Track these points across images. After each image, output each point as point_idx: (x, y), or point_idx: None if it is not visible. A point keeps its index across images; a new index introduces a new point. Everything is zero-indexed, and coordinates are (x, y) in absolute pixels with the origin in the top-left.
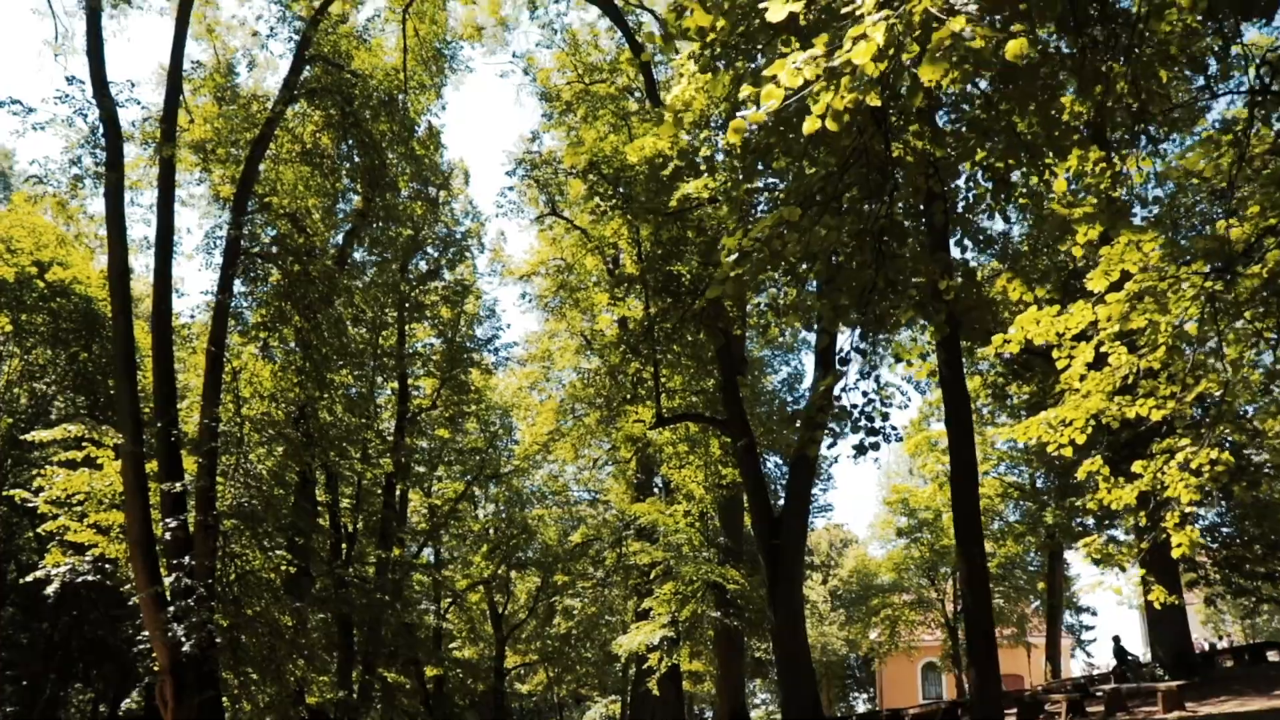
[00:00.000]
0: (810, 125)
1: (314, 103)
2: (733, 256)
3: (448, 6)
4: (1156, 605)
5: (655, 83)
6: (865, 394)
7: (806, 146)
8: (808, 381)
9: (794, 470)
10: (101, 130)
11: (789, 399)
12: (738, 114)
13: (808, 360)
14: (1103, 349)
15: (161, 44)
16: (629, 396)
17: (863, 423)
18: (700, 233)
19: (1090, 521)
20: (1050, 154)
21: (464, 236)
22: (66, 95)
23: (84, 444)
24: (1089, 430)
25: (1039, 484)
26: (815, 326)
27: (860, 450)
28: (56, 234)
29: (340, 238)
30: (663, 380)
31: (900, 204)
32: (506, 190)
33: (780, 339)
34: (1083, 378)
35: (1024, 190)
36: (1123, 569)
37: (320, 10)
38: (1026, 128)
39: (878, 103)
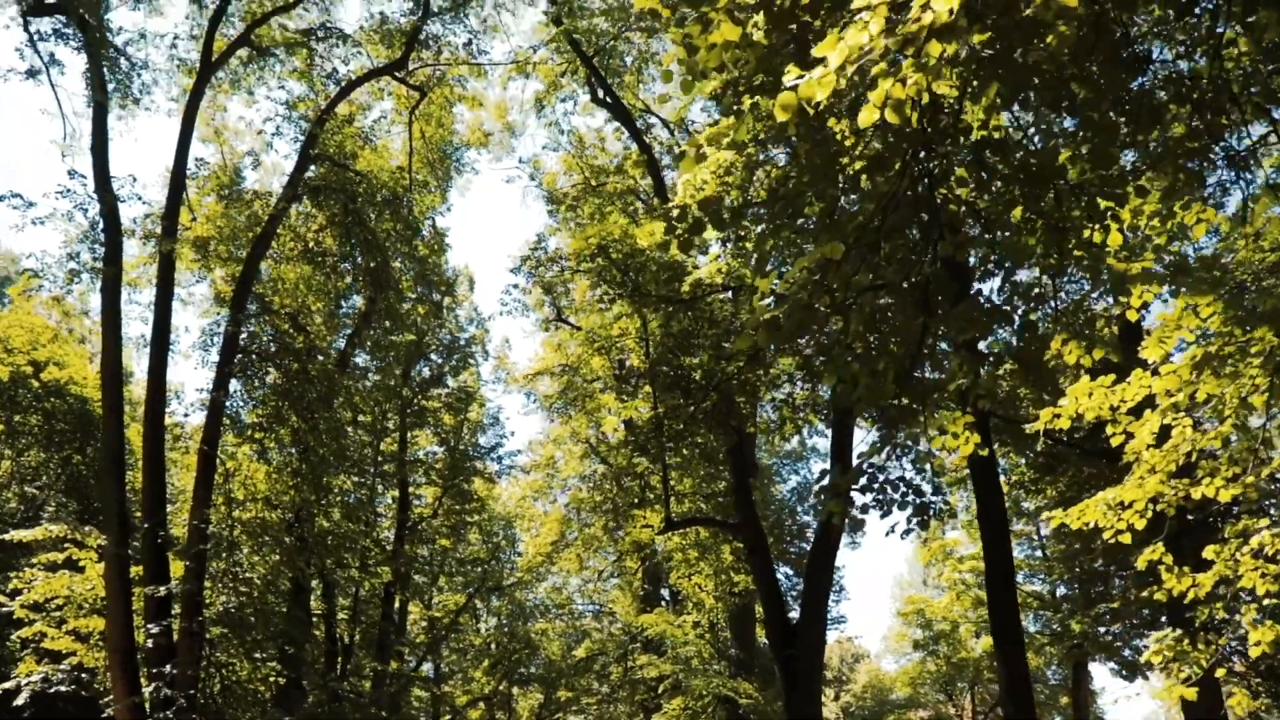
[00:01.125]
0: (867, 116)
1: (317, 201)
2: (767, 300)
3: (454, 110)
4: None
5: (664, 184)
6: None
7: (840, 187)
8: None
9: (809, 575)
10: (102, 225)
11: (799, 508)
12: (786, 86)
13: (817, 467)
14: (1165, 421)
15: (167, 141)
16: (636, 500)
17: (910, 497)
18: (712, 324)
19: (1118, 628)
20: (1108, 201)
21: (468, 343)
22: (68, 190)
23: (66, 545)
24: (1149, 514)
25: (1059, 593)
26: (831, 421)
27: (920, 523)
28: (52, 331)
29: (342, 341)
30: (671, 483)
31: (944, 254)
32: (511, 288)
33: (790, 441)
34: (1136, 456)
35: (1077, 243)
36: (1144, 677)
37: (326, 110)
38: (1078, 174)
39: (949, 92)
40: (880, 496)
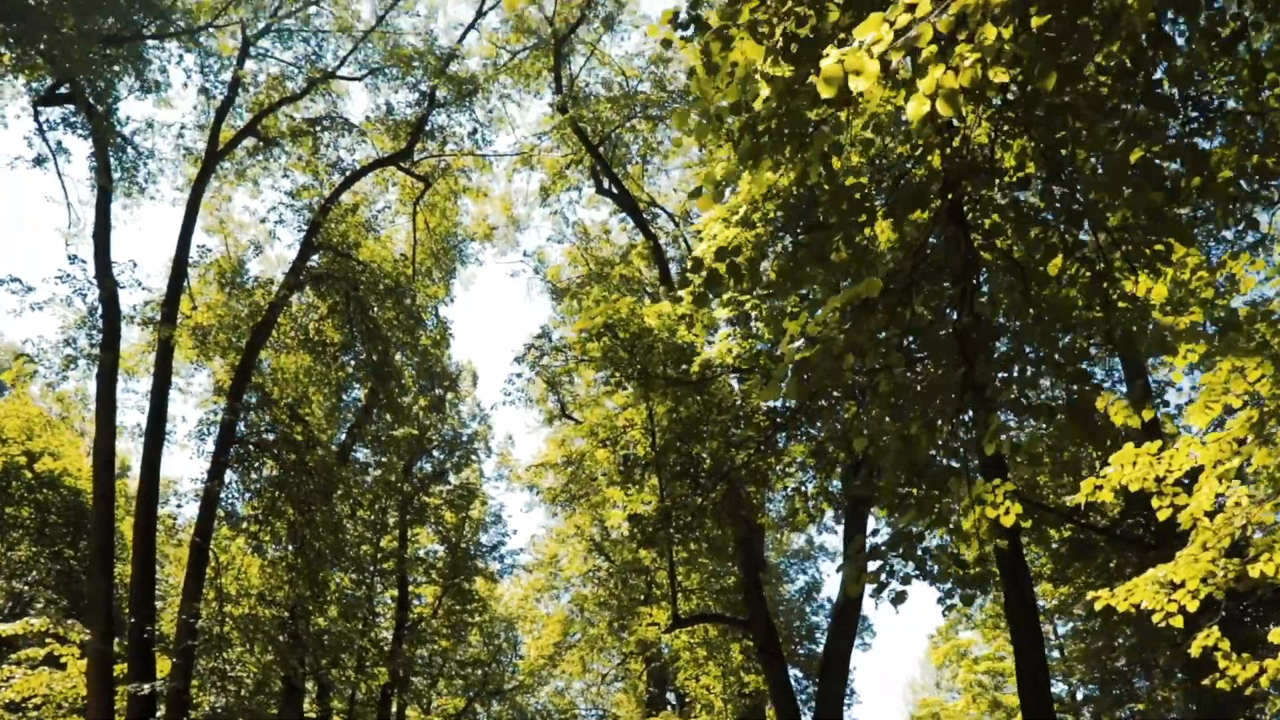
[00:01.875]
0: (917, 109)
1: (319, 290)
2: (797, 344)
3: (459, 201)
4: None
5: (670, 274)
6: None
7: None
8: (827, 590)
9: (824, 676)
10: (100, 311)
11: (808, 608)
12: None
13: (825, 567)
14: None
15: (171, 228)
16: (642, 597)
17: (952, 568)
18: (722, 410)
19: None
20: (1157, 243)
21: (471, 439)
22: (67, 275)
23: (48, 640)
24: (1201, 594)
25: (1079, 695)
26: (844, 511)
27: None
28: (46, 419)
29: (343, 434)
30: (679, 579)
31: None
32: (514, 377)
33: (799, 540)
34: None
35: (1120, 295)
36: None
37: (330, 200)
38: (1120, 220)
39: (1005, 77)
40: (917, 569)
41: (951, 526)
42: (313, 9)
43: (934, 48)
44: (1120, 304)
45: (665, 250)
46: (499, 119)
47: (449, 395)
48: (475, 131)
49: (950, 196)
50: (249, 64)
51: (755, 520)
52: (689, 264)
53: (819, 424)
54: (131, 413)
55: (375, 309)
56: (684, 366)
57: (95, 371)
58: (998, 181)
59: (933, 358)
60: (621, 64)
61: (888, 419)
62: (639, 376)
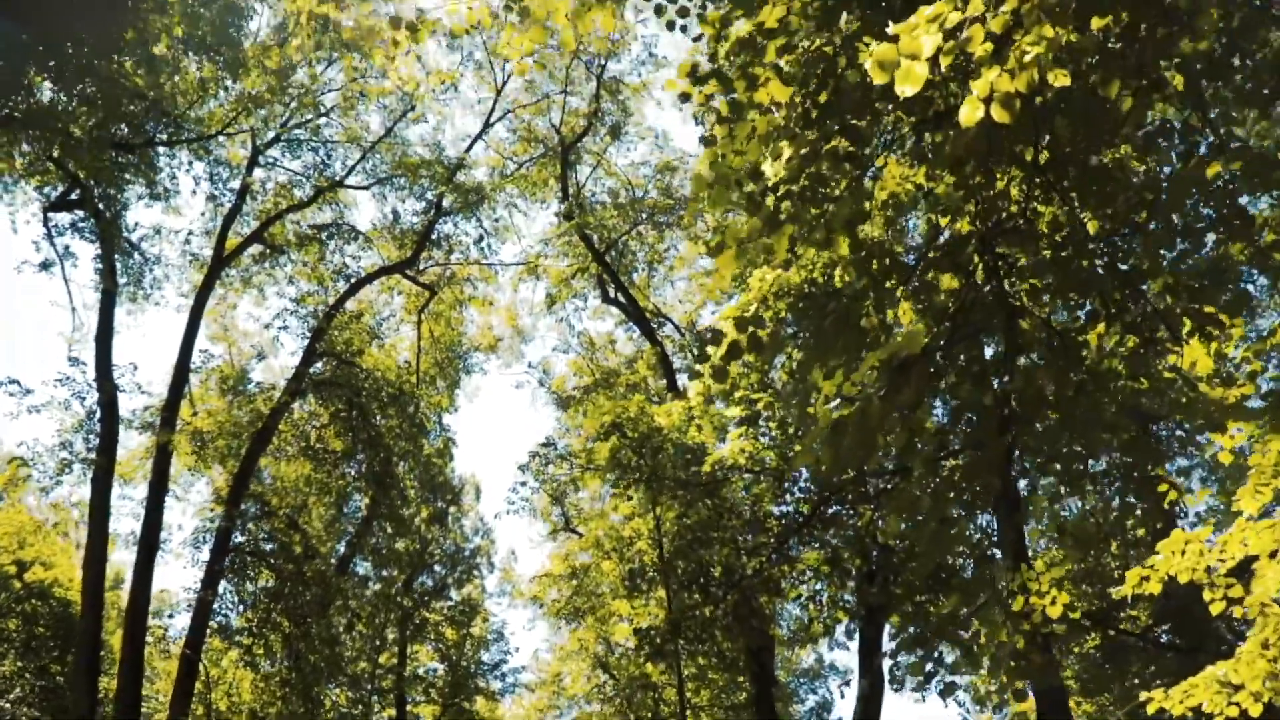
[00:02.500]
0: (970, 113)
1: (321, 396)
2: (833, 403)
3: (465, 310)
4: None
5: (676, 383)
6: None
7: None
8: (839, 710)
9: None
10: (99, 415)
11: None
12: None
13: (836, 687)
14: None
15: (174, 332)
16: (650, 715)
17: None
18: (735, 515)
19: None
20: (1208, 304)
21: (473, 554)
22: (67, 378)
23: None
24: (1265, 697)
25: None
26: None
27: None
28: (36, 524)
29: (343, 545)
30: (688, 695)
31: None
32: (518, 485)
33: (808, 658)
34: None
35: (1161, 362)
36: None
37: (335, 307)
38: (1161, 287)
39: (1065, 80)
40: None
41: (999, 618)
42: (322, 120)
43: (988, 46)
44: (1167, 375)
45: (672, 360)
46: (505, 228)
47: (451, 509)
48: (481, 239)
49: (987, 257)
50: (257, 172)
51: (767, 631)
52: (707, 336)
53: (832, 530)
54: (126, 520)
55: (378, 417)
56: (694, 469)
57: (90, 476)
58: (1034, 245)
59: (972, 429)
60: (627, 172)
61: (922, 496)
62: (648, 480)
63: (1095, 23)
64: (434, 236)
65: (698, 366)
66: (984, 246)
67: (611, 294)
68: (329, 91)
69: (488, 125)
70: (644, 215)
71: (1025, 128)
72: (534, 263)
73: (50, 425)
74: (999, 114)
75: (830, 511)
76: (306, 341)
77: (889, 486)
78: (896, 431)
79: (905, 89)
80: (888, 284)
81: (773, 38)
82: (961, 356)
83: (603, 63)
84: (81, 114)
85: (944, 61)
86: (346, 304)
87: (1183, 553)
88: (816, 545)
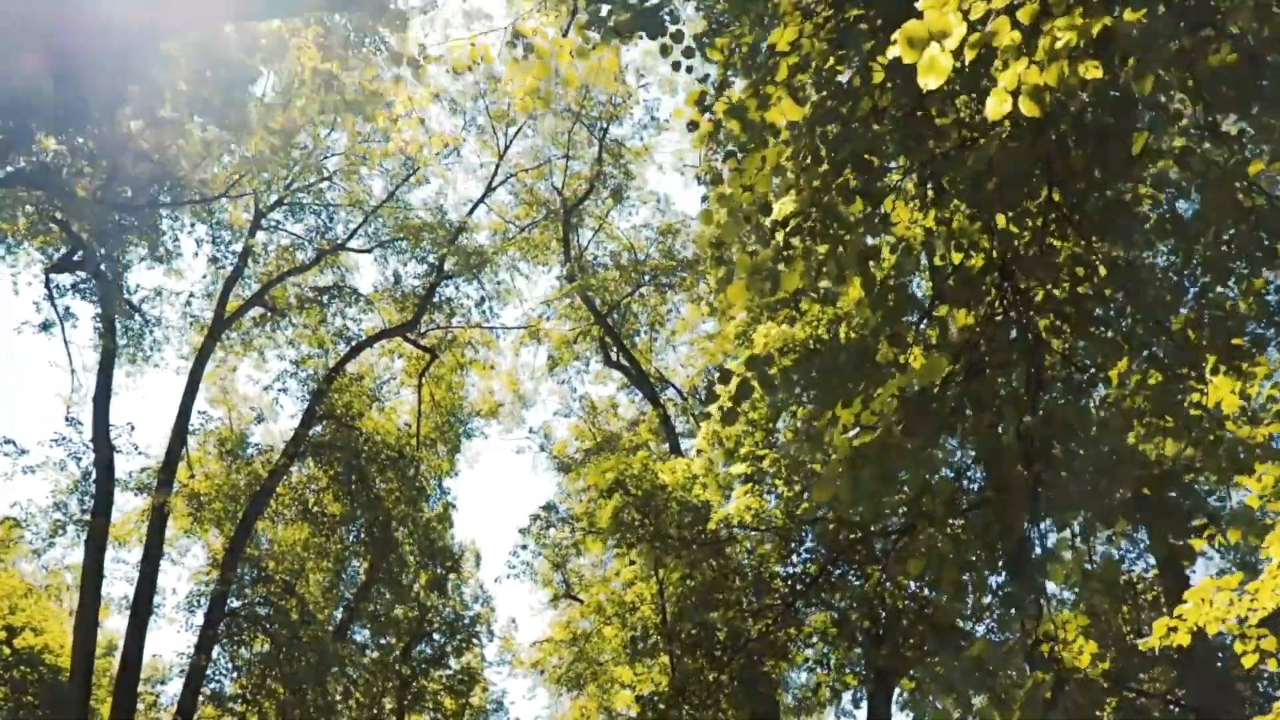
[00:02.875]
0: (997, 105)
1: (320, 459)
2: (852, 433)
3: (465, 374)
4: None
5: (680, 449)
6: None
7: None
8: None
9: None
10: (95, 476)
11: None
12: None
13: None
14: None
15: (173, 394)
16: None
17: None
18: (740, 576)
19: None
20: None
21: (473, 622)
22: (63, 438)
23: None
24: None
25: None
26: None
27: None
28: (27, 587)
29: (339, 611)
30: None
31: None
32: (519, 548)
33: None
34: None
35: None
36: None
37: (335, 369)
38: (1184, 322)
39: (1097, 73)
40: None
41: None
42: (325, 184)
43: (1016, 36)
44: (1195, 412)
45: (674, 423)
46: (507, 291)
47: (451, 576)
48: (483, 301)
49: (1005, 289)
50: (259, 235)
51: (774, 697)
52: (715, 376)
53: (839, 594)
54: (120, 584)
55: (377, 481)
56: (699, 529)
57: (84, 538)
58: (1053, 275)
59: (994, 467)
60: (629, 235)
61: (944, 542)
62: (651, 539)
63: (1129, 15)
64: (435, 300)
65: (707, 408)
66: (1002, 278)
67: (614, 357)
68: (332, 156)
69: (490, 189)
70: (646, 277)
71: (1038, 159)
72: (535, 326)
73: (45, 486)
74: (1028, 107)
75: (838, 572)
76: (306, 404)
77: (898, 546)
78: (914, 469)
79: (929, 81)
80: (902, 319)
81: (785, 57)
82: (980, 393)
83: (604, 126)
84: (87, 174)
85: (969, 55)
86: (347, 366)
87: (1211, 602)
88: (824, 607)
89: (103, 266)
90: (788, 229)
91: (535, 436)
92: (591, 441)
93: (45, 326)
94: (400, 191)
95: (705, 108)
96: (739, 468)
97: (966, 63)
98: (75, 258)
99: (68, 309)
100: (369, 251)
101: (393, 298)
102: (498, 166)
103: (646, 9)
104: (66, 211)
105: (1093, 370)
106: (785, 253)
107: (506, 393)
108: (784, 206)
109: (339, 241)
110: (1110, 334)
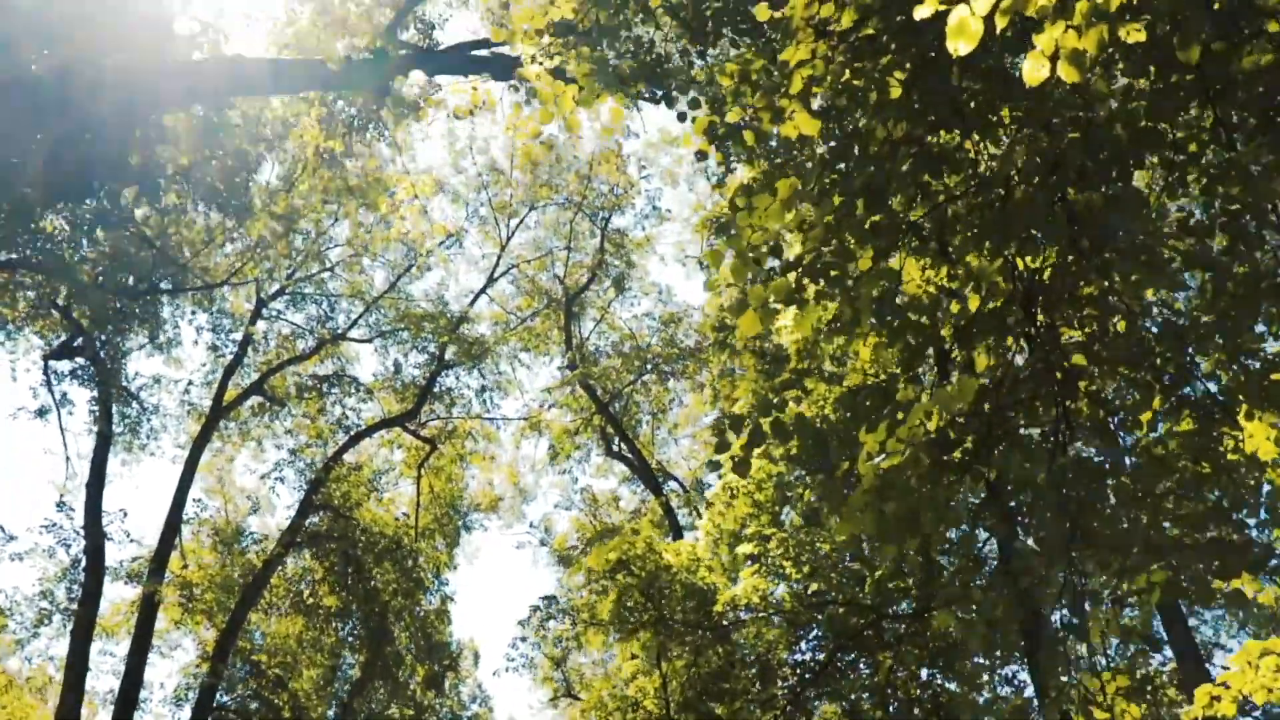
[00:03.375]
0: (1034, 69)
1: (316, 550)
2: (880, 458)
3: (465, 465)
4: None
5: (683, 534)
6: None
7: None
8: None
9: None
10: (84, 564)
11: None
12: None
13: None
14: None
15: (169, 481)
16: None
17: None
18: (745, 665)
19: None
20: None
21: None
22: (53, 524)
23: None
24: None
25: None
26: None
27: None
28: (8, 680)
29: (332, 710)
30: None
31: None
32: (519, 640)
33: None
34: None
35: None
36: None
37: (333, 459)
38: (1215, 364)
39: (1140, 35)
40: None
41: None
42: (326, 273)
43: None
44: (1232, 456)
45: (677, 514)
46: (508, 382)
47: (449, 674)
48: (483, 390)
49: (1029, 328)
50: (260, 323)
51: None
52: (727, 423)
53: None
54: (105, 678)
55: (374, 573)
56: (704, 613)
57: (70, 629)
58: (1078, 313)
59: (1029, 513)
60: (631, 324)
61: (975, 588)
62: (655, 625)
63: None
64: (436, 389)
65: (717, 457)
66: (1026, 317)
67: (616, 447)
68: (334, 247)
69: (491, 279)
70: (648, 366)
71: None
72: (536, 418)
73: (32, 574)
74: (1066, 72)
75: (848, 660)
76: (303, 493)
77: (909, 630)
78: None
79: (959, 45)
80: (922, 358)
81: (799, 69)
82: (1005, 435)
83: (606, 216)
84: (90, 259)
85: (1000, 22)
86: (345, 456)
87: (1258, 667)
88: (834, 697)
89: (102, 353)
90: (800, 270)
91: (535, 531)
92: (593, 533)
93: (41, 413)
94: (402, 282)
95: (716, 137)
96: (745, 548)
97: (998, 30)
98: (75, 344)
99: (65, 394)
100: (369, 341)
101: (393, 387)
102: (499, 257)
103: (650, 61)
104: (68, 296)
105: (1124, 415)
106: (797, 295)
107: (507, 485)
108: (794, 246)
109: (340, 331)
110: (1142, 376)
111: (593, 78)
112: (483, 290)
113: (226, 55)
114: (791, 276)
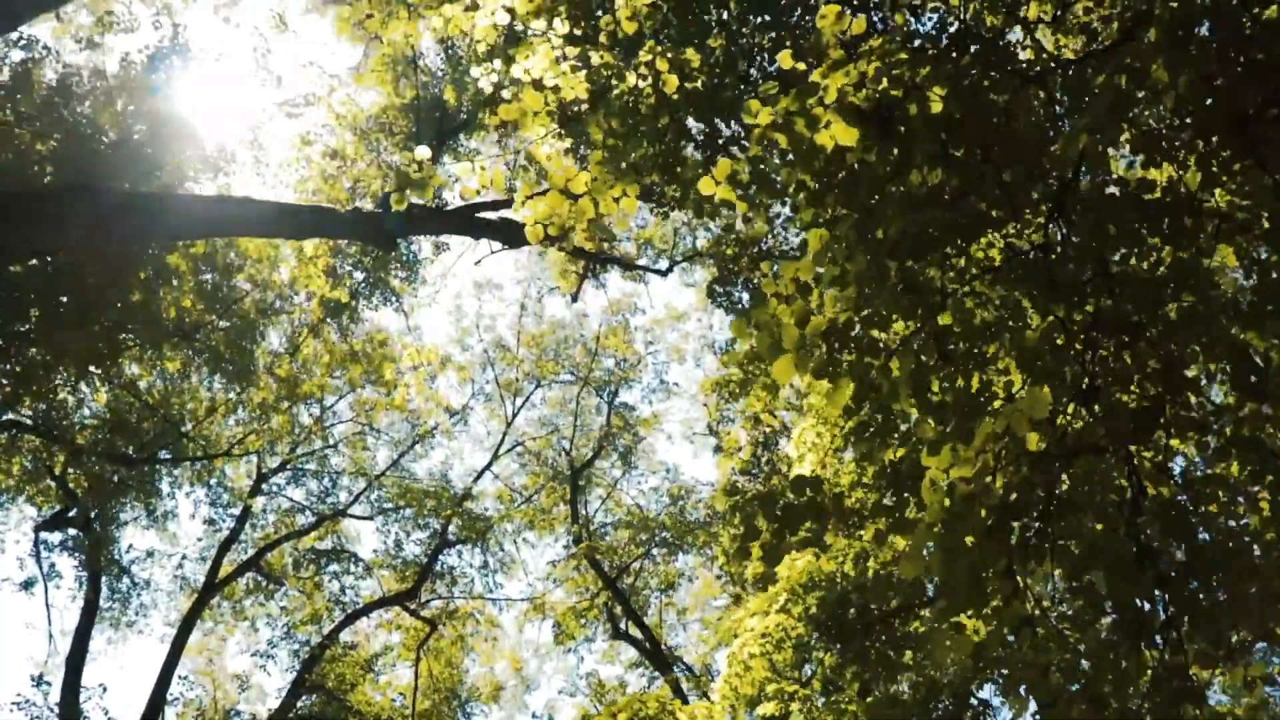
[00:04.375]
0: None
1: None
2: (945, 484)
3: (466, 649)
4: None
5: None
6: None
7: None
8: None
9: None
10: None
11: None
12: None
13: None
14: None
15: (154, 662)
16: None
17: None
18: None
19: None
20: None
21: None
22: (26, 701)
23: None
24: None
25: None
26: None
27: None
28: None
29: None
30: None
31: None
32: None
33: None
34: None
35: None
36: None
37: (328, 638)
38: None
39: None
40: None
41: None
42: (329, 449)
43: None
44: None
45: (687, 696)
46: (511, 562)
47: None
48: (485, 565)
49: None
50: (259, 498)
51: None
52: (752, 509)
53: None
54: None
55: None
56: None
57: None
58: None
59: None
60: (638, 498)
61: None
62: None
63: None
64: (437, 568)
65: (743, 544)
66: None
67: (623, 627)
68: (338, 423)
69: (496, 456)
70: (656, 539)
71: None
72: (540, 600)
73: None
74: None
75: None
76: (295, 673)
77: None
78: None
79: None
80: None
81: (835, 71)
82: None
83: (613, 390)
84: (91, 425)
85: None
86: (341, 635)
87: None
88: None
89: (96, 525)
90: (832, 338)
91: None
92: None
93: (27, 585)
94: (405, 459)
95: (737, 183)
96: (768, 708)
97: None
98: (68, 514)
99: (53, 565)
100: (370, 518)
101: (393, 565)
102: (505, 434)
103: (664, 150)
104: (68, 461)
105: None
106: (831, 370)
107: (509, 672)
108: (825, 316)
109: (340, 507)
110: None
111: (605, 165)
112: (487, 467)
113: (236, 195)
114: (824, 346)
